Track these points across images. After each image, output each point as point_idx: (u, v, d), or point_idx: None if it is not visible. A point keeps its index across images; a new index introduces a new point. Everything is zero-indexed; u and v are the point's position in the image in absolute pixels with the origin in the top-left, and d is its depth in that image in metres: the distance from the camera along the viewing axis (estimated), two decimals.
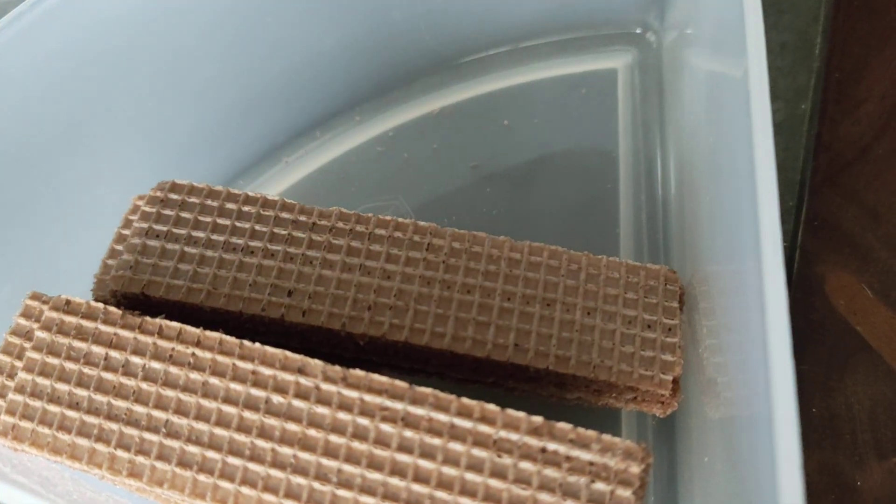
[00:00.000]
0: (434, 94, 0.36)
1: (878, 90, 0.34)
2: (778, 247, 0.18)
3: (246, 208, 0.23)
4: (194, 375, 0.20)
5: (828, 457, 0.27)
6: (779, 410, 0.16)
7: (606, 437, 0.18)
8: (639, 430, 0.27)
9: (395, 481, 0.18)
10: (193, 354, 0.20)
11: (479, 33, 0.36)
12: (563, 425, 0.18)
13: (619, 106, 0.34)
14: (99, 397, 0.20)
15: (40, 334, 0.21)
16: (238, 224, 0.23)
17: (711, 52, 0.26)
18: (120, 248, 0.23)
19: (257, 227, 0.23)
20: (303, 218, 0.23)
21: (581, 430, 0.18)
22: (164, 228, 0.23)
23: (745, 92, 0.20)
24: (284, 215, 0.23)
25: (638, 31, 0.36)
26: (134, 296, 0.22)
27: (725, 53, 0.24)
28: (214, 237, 0.23)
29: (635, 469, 0.18)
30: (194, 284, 0.22)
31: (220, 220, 0.23)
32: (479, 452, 0.18)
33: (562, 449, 0.18)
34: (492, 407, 0.19)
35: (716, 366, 0.22)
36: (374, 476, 0.18)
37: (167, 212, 0.23)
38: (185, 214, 0.23)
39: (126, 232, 0.23)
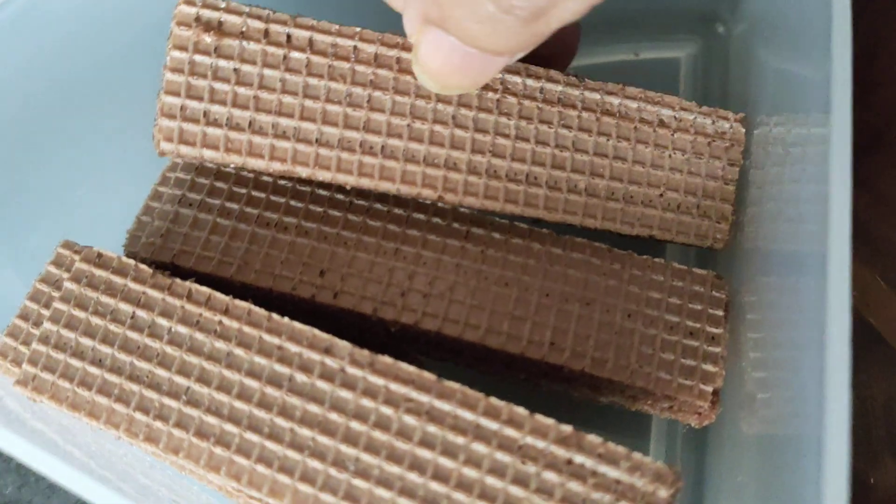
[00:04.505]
0: None
1: (892, 74, 0.32)
2: (846, 267, 0.17)
3: (282, 182, 0.22)
4: (219, 344, 0.20)
5: None
6: (831, 438, 0.16)
7: (637, 456, 0.17)
8: (668, 438, 0.26)
9: (413, 477, 0.18)
10: (221, 322, 0.20)
11: None
12: (592, 438, 0.18)
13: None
14: (122, 356, 0.20)
15: (69, 285, 0.21)
16: (273, 198, 0.22)
17: (787, 50, 0.24)
18: (156, 205, 0.23)
19: (292, 203, 0.22)
20: (340, 196, 0.22)
21: (611, 444, 0.18)
22: (198, 197, 0.22)
23: (825, 97, 0.19)
24: (321, 192, 0.22)
25: (707, 19, 0.34)
26: (163, 264, 0.21)
27: (804, 54, 0.22)
28: (248, 210, 0.22)
29: (663, 493, 0.17)
30: (225, 258, 0.21)
31: (255, 193, 0.22)
32: (502, 456, 0.18)
33: (589, 462, 0.17)
34: (520, 410, 0.18)
35: (758, 381, 0.21)
36: (393, 469, 0.18)
37: (201, 180, 0.22)
38: (219, 184, 0.22)
39: (163, 189, 0.23)
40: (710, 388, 0.21)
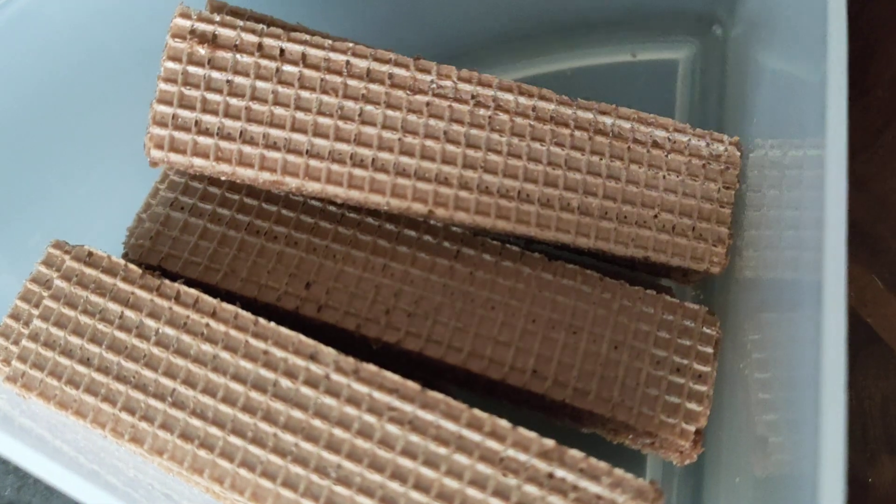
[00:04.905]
0: None
1: (888, 75, 0.32)
2: (841, 296, 0.17)
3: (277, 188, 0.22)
4: (206, 347, 0.20)
5: None
6: (825, 481, 0.16)
7: (618, 472, 0.17)
8: (664, 465, 0.26)
9: (394, 486, 0.18)
10: (208, 325, 0.20)
11: (533, 13, 0.34)
12: (574, 452, 0.18)
13: (678, 101, 0.33)
14: (110, 356, 0.20)
15: (59, 283, 0.21)
16: (265, 206, 0.22)
17: (784, 52, 0.24)
18: (153, 203, 0.23)
19: (284, 212, 0.22)
20: (332, 208, 0.22)
21: (593, 460, 0.18)
22: (190, 202, 0.22)
23: (821, 99, 0.19)
24: (314, 203, 0.22)
25: (704, 21, 0.34)
26: (150, 267, 0.21)
27: (800, 56, 0.22)
28: (239, 217, 0.22)
29: None
30: (212, 264, 0.21)
31: (248, 200, 0.22)
32: (484, 468, 0.18)
33: (570, 477, 0.17)
34: (503, 423, 0.18)
35: (767, 424, 0.21)
36: (374, 477, 0.18)
37: (195, 184, 0.22)
38: (213, 189, 0.22)
39: (161, 189, 0.23)
40: (692, 428, 0.20)
